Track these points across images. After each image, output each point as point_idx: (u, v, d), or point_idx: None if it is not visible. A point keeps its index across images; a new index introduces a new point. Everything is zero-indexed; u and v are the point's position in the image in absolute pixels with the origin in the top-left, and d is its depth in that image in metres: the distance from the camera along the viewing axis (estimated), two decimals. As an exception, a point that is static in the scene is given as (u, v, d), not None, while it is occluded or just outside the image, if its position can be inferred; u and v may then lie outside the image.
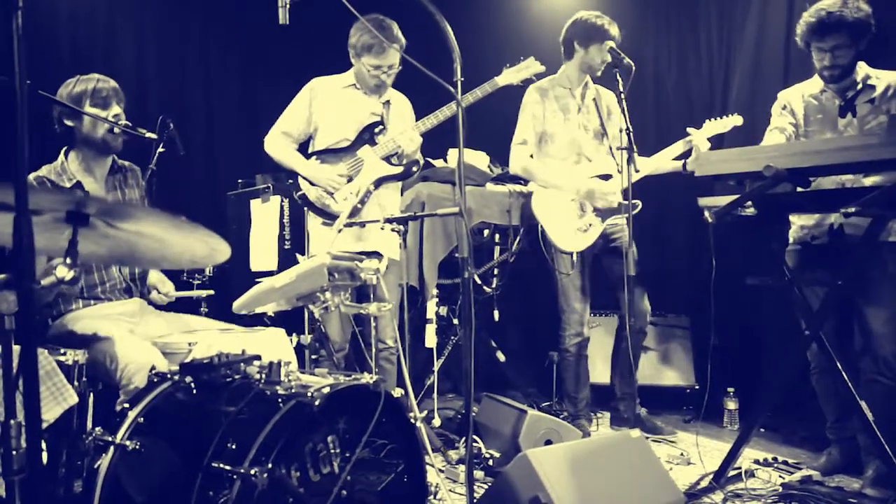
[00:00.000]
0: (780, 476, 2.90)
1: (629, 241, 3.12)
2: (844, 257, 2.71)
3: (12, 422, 1.23)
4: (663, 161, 3.46)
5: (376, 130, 3.21)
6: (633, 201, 3.24)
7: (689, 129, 3.45)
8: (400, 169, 3.22)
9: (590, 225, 3.38)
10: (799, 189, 2.54)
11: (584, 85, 3.54)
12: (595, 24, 3.37)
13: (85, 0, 4.07)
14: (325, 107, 3.24)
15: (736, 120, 3.50)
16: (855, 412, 2.59)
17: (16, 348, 1.23)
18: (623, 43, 3.35)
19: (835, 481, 2.85)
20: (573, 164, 3.47)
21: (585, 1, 4.26)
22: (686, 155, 3.44)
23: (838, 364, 2.56)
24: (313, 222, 3.21)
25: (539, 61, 3.34)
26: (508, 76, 3.29)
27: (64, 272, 1.51)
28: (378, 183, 3.20)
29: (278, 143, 3.26)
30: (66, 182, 2.48)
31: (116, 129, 2.48)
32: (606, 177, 3.41)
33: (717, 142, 3.69)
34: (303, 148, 3.31)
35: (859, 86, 2.84)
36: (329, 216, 3.13)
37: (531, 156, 3.50)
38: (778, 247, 2.95)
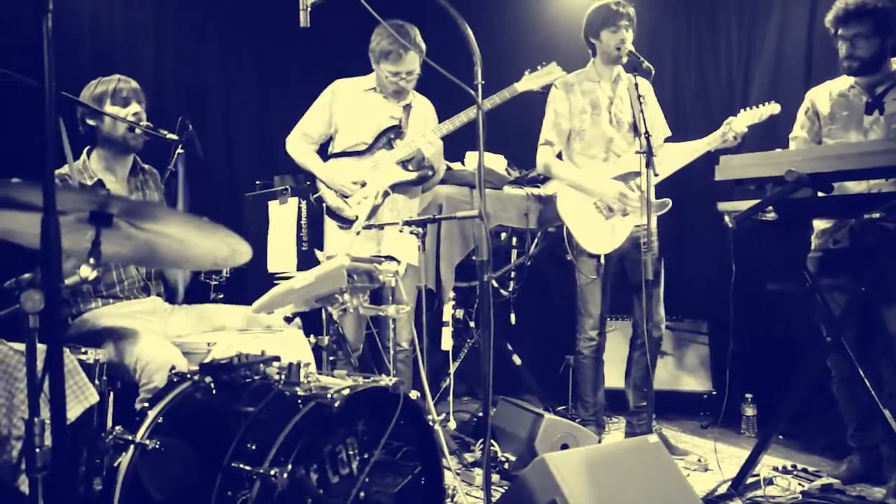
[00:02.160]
0: (799, 484, 2.87)
1: (653, 244, 2.99)
2: (866, 264, 2.68)
3: (36, 419, 1.24)
4: (699, 148, 3.33)
5: (393, 135, 3.21)
6: (663, 200, 3.18)
7: (725, 122, 3.29)
8: (414, 175, 3.22)
9: (616, 226, 3.28)
10: (820, 194, 2.51)
11: (615, 77, 3.38)
12: (600, 9, 3.22)
13: (105, 3, 4.11)
14: (345, 109, 3.25)
15: (773, 108, 3.26)
16: (878, 420, 2.55)
17: (40, 347, 1.24)
18: (642, 45, 3.30)
19: (856, 490, 2.81)
20: (602, 161, 3.34)
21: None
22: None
23: (860, 372, 2.53)
24: (330, 225, 3.23)
25: (560, 66, 3.31)
26: (528, 82, 3.25)
27: (87, 272, 1.52)
28: (392, 188, 3.20)
29: (298, 145, 3.29)
30: (88, 179, 2.51)
31: (137, 130, 2.51)
32: (635, 174, 3.28)
33: (737, 146, 3.65)
34: (322, 150, 3.33)
35: (889, 81, 2.76)
36: (343, 220, 3.14)
37: (559, 155, 3.40)
38: (798, 252, 2.91)
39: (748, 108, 3.29)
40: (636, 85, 2.93)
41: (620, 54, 3.19)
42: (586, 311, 3.37)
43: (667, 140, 3.49)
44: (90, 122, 2.53)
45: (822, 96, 2.94)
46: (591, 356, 3.40)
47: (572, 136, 3.37)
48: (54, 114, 1.12)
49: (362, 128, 3.23)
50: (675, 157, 3.31)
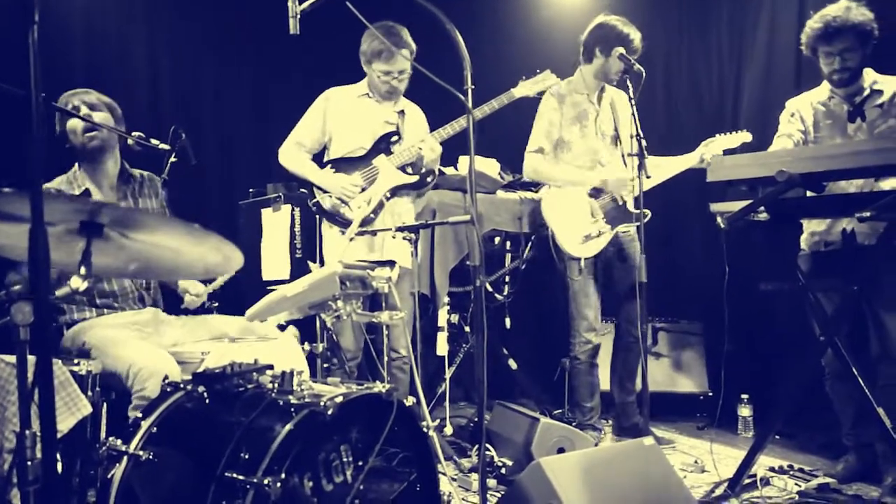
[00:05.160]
0: (796, 484, 2.87)
1: (641, 249, 3.04)
2: (858, 262, 2.69)
3: (27, 432, 1.24)
4: (678, 166, 3.44)
5: (392, 140, 3.22)
6: (643, 210, 3.21)
7: (702, 143, 3.45)
8: (415, 178, 3.23)
9: (600, 231, 3.35)
10: (811, 193, 2.52)
11: (600, 89, 3.49)
12: (622, 33, 3.28)
13: (98, 11, 4.10)
14: (339, 116, 3.26)
15: (745, 136, 3.46)
16: (872, 419, 2.56)
17: (31, 358, 1.24)
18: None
19: (853, 489, 2.82)
20: (588, 170, 3.44)
21: (597, 8, 4.24)
22: None
23: (854, 370, 2.54)
24: (328, 231, 3.22)
25: (555, 73, 3.34)
26: (524, 88, 3.29)
27: (78, 283, 1.51)
28: (393, 192, 3.20)
29: (292, 154, 3.28)
30: (76, 189, 2.52)
31: (98, 133, 2.48)
32: None
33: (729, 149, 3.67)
34: (317, 158, 3.33)
35: (867, 91, 2.85)
36: (344, 224, 3.14)
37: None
38: (791, 252, 2.92)
39: (724, 134, 3.47)
40: (629, 98, 3.01)
41: (616, 78, 3.32)
42: (579, 313, 3.40)
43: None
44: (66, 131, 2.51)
45: (804, 105, 3.01)
46: (587, 361, 3.43)
47: (560, 146, 3.46)
48: (41, 123, 1.11)
49: (359, 133, 3.23)
50: (656, 170, 3.35)
